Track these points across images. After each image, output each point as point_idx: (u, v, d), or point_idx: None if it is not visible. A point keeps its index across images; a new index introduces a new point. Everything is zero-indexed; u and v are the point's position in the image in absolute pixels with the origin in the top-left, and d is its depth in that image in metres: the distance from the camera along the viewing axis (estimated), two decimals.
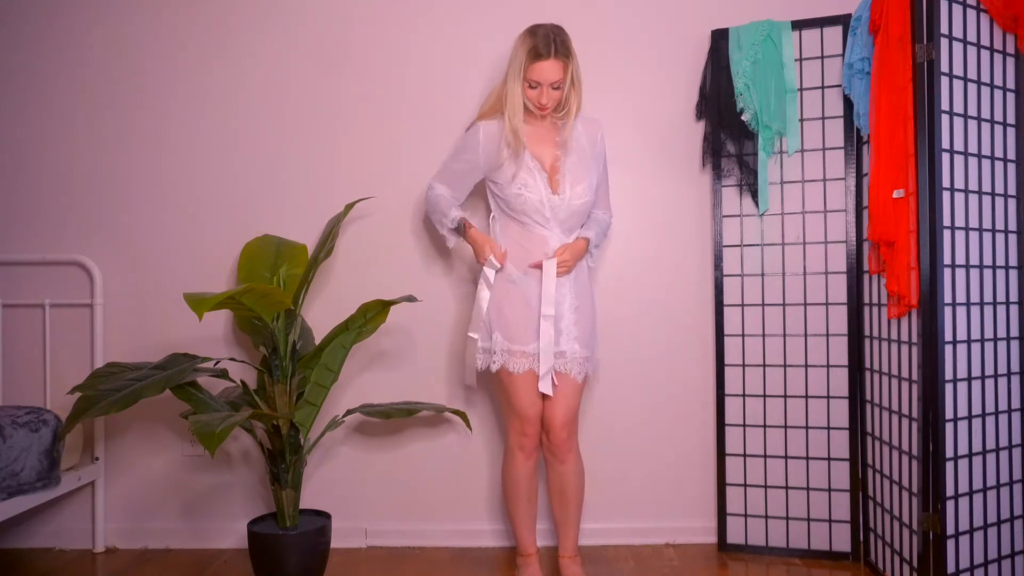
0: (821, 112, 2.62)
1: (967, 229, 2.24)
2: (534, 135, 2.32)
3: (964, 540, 2.20)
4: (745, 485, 2.69)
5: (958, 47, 2.23)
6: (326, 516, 2.53)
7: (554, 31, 2.23)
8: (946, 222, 2.19)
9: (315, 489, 2.82)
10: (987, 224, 2.29)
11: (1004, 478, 2.30)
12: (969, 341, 2.23)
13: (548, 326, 2.26)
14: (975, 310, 2.25)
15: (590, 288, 2.41)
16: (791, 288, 2.66)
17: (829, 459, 2.62)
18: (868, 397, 2.56)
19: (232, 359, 2.54)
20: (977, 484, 2.24)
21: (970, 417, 2.23)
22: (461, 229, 2.40)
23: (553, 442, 2.35)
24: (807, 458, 2.64)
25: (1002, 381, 2.31)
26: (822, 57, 2.62)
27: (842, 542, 2.61)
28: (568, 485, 2.38)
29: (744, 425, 2.69)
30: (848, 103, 2.56)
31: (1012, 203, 2.35)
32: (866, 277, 2.55)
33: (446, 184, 2.45)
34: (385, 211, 2.82)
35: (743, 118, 2.63)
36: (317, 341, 2.69)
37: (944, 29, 2.20)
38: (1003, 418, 2.31)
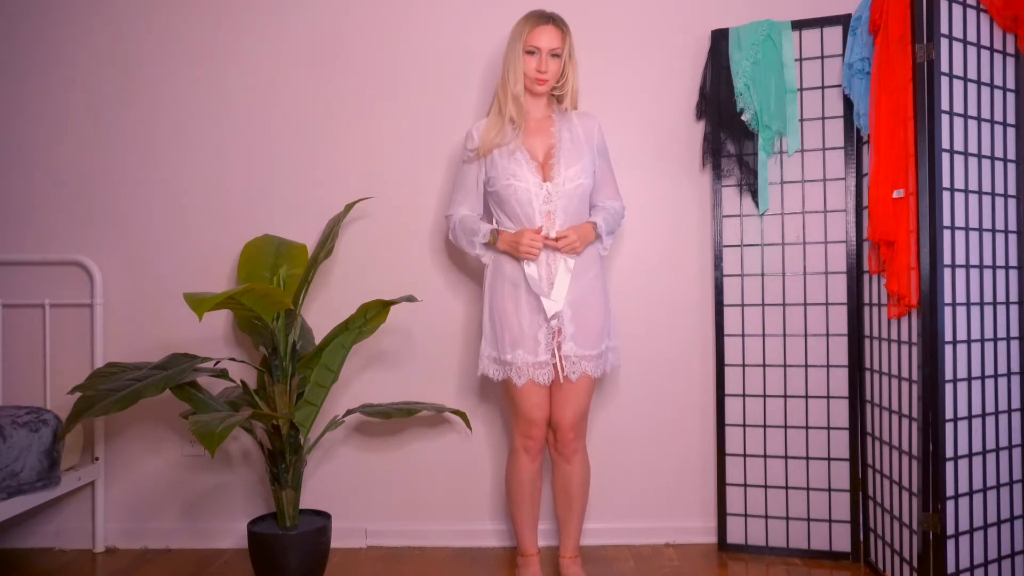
0: (821, 112, 2.62)
1: (967, 229, 2.24)
2: (526, 128, 2.33)
3: (964, 540, 2.20)
4: (745, 485, 2.69)
5: (958, 47, 2.23)
6: (326, 516, 2.53)
7: (550, 11, 2.32)
8: (946, 222, 2.19)
9: (315, 489, 2.82)
10: (987, 224, 2.29)
11: (1004, 478, 2.30)
12: (969, 341, 2.23)
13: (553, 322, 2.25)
14: (975, 310, 2.25)
15: (600, 286, 2.34)
16: (791, 288, 2.66)
17: (829, 459, 2.62)
18: (868, 397, 2.56)
19: (232, 359, 2.54)
20: (977, 484, 2.24)
21: (970, 417, 2.23)
22: (492, 241, 2.31)
23: (560, 442, 2.35)
24: (807, 458, 2.64)
25: (1002, 381, 2.31)
26: (822, 57, 2.62)
27: (842, 542, 2.61)
28: (573, 485, 2.38)
29: (744, 425, 2.69)
30: (848, 103, 2.56)
31: (1012, 203, 2.35)
32: (866, 277, 2.55)
33: (463, 205, 2.39)
34: (385, 211, 2.81)
35: (743, 118, 2.63)
36: (317, 341, 2.69)
37: (944, 29, 2.20)
38: (1003, 418, 2.31)
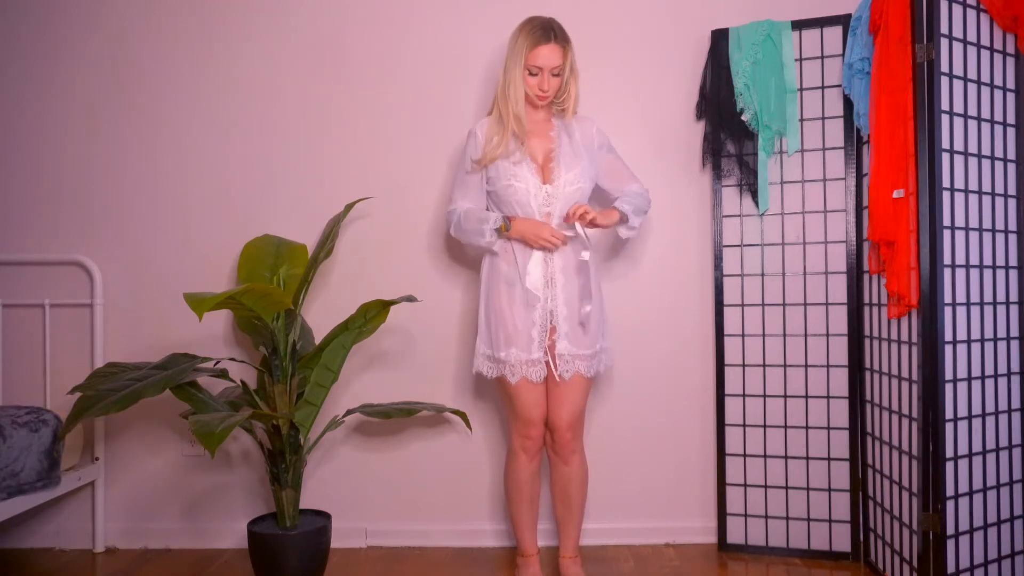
0: (821, 112, 2.62)
1: (967, 229, 2.24)
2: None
3: (964, 540, 2.21)
4: (745, 485, 2.69)
5: (958, 47, 2.23)
6: (326, 516, 2.53)
7: (550, 20, 2.29)
8: (946, 222, 2.19)
9: (315, 489, 2.82)
10: (987, 224, 2.29)
11: (1004, 478, 2.30)
12: (969, 341, 2.23)
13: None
14: (975, 310, 2.25)
15: (596, 286, 2.34)
16: (791, 288, 2.66)
17: (829, 459, 2.62)
18: (868, 397, 2.56)
19: (232, 359, 2.54)
20: (977, 484, 2.24)
21: (970, 417, 2.23)
22: (502, 229, 2.29)
23: (557, 443, 2.35)
24: (807, 458, 2.64)
25: (1002, 381, 2.31)
26: (822, 57, 2.62)
27: (842, 542, 2.61)
28: (571, 486, 2.38)
29: (744, 425, 2.69)
30: (848, 103, 2.56)
31: (1012, 203, 2.35)
32: (866, 277, 2.55)
33: (465, 199, 2.38)
34: (385, 211, 2.81)
35: (743, 118, 2.63)
36: (317, 341, 2.69)
37: (944, 29, 2.20)
38: (1003, 418, 2.31)
